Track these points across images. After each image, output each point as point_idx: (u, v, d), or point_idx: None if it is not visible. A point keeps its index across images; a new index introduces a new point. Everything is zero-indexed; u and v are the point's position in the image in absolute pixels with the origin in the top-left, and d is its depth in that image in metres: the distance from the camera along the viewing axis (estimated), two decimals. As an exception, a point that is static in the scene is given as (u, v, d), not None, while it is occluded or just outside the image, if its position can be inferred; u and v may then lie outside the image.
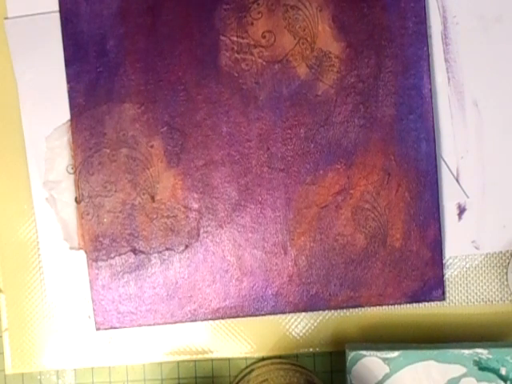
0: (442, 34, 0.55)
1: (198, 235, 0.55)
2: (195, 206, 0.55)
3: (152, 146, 0.55)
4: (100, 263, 0.55)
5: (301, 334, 0.57)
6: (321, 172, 0.55)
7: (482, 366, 0.52)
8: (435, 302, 0.56)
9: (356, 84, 0.54)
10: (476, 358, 0.52)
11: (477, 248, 0.56)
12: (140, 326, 0.55)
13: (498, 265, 0.56)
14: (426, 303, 0.56)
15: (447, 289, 0.56)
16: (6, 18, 0.55)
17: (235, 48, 0.54)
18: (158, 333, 0.56)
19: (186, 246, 0.55)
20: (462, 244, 0.56)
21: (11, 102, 0.56)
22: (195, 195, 0.55)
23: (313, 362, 0.57)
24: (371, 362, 0.53)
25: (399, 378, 0.53)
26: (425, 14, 0.54)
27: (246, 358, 0.57)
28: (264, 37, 0.54)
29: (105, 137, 0.54)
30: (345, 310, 0.56)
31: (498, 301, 0.56)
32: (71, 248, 0.56)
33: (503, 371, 0.52)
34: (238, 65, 0.54)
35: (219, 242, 0.55)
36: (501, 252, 0.56)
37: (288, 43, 0.54)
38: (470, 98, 0.56)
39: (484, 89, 0.55)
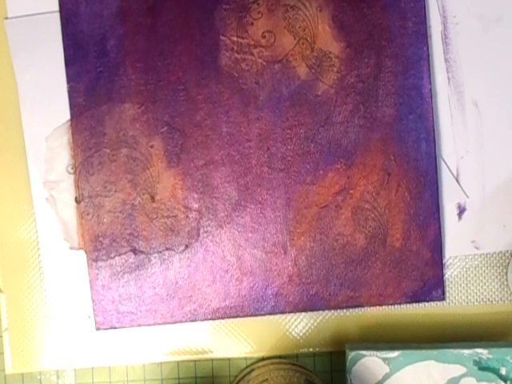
0: (442, 34, 0.55)
1: (198, 235, 0.55)
2: (195, 205, 0.55)
3: (152, 146, 0.55)
4: (100, 263, 0.55)
5: (301, 334, 0.57)
6: (321, 172, 0.55)
7: (482, 366, 0.52)
8: (435, 302, 0.56)
9: (356, 84, 0.54)
10: (476, 358, 0.52)
11: (477, 248, 0.56)
12: (140, 325, 0.55)
13: (498, 265, 0.56)
14: (426, 303, 0.56)
15: (447, 289, 0.56)
16: (6, 18, 0.55)
17: (235, 48, 0.54)
18: (158, 333, 0.56)
19: (186, 246, 0.55)
20: (462, 244, 0.56)
21: (11, 102, 0.56)
22: (195, 195, 0.55)
23: (313, 362, 0.57)
24: (371, 362, 0.53)
25: (399, 377, 0.53)
26: (425, 14, 0.54)
27: (246, 358, 0.57)
28: (264, 37, 0.54)
29: (105, 137, 0.54)
30: (345, 310, 0.56)
31: (497, 301, 0.56)
32: (71, 248, 0.56)
33: (503, 371, 0.52)
34: (238, 65, 0.54)
35: (219, 242, 0.55)
36: (501, 252, 0.56)
37: (288, 43, 0.54)
38: (469, 98, 0.56)
39: (484, 89, 0.55)
